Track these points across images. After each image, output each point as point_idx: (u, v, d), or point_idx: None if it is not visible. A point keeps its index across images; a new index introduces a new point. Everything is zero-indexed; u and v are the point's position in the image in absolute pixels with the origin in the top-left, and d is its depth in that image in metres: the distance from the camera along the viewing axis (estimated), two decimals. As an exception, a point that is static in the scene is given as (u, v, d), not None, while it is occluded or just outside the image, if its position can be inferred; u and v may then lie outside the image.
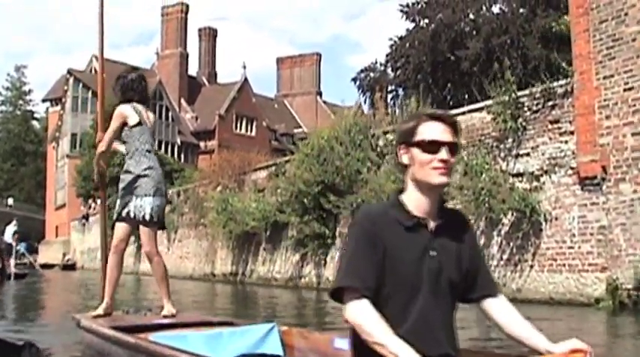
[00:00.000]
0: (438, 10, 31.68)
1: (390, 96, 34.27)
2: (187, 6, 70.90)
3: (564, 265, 12.14)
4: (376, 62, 36.22)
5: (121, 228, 6.46)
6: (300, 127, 78.25)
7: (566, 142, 12.31)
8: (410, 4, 32.94)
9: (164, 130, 63.67)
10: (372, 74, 36.13)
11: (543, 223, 12.52)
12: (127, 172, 6.47)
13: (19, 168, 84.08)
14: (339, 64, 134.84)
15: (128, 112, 6.45)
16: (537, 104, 12.89)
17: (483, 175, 13.03)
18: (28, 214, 70.68)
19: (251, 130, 69.92)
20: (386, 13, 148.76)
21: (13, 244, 28.63)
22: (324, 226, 18.80)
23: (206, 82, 75.29)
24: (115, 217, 6.52)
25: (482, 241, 13.59)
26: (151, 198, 6.36)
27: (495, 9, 31.09)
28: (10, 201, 71.93)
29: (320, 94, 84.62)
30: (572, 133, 12.19)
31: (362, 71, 36.48)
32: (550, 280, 12.36)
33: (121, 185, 6.49)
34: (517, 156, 13.27)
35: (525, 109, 13.13)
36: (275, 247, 22.10)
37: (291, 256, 20.96)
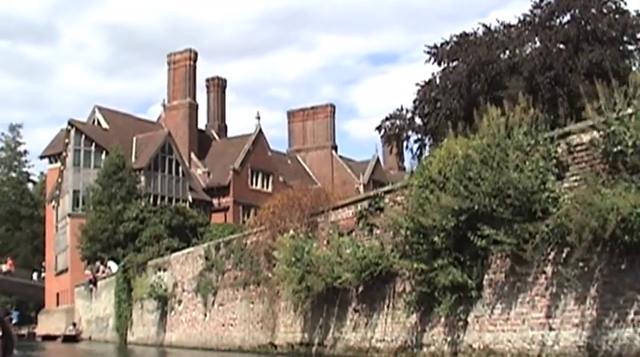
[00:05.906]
0: (471, 49, 29.03)
1: (416, 145, 32.06)
2: (196, 53, 65.63)
3: None
4: (401, 109, 32.94)
5: None
6: (316, 183, 73.25)
7: None
8: (438, 46, 30.32)
9: (174, 186, 58.29)
10: (397, 122, 32.99)
11: None
12: None
13: (15, 233, 78.24)
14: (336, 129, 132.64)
15: None
16: None
17: None
18: (25, 281, 64.74)
19: (267, 186, 64.56)
20: (380, 79, 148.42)
21: None
22: (464, 273, 13.44)
23: (216, 136, 70.21)
24: None
25: None
26: None
27: (533, 45, 28.61)
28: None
29: (335, 148, 79.49)
30: None
31: (387, 119, 33.30)
32: None
33: None
34: None
35: None
36: (374, 306, 16.67)
37: (403, 317, 15.48)
